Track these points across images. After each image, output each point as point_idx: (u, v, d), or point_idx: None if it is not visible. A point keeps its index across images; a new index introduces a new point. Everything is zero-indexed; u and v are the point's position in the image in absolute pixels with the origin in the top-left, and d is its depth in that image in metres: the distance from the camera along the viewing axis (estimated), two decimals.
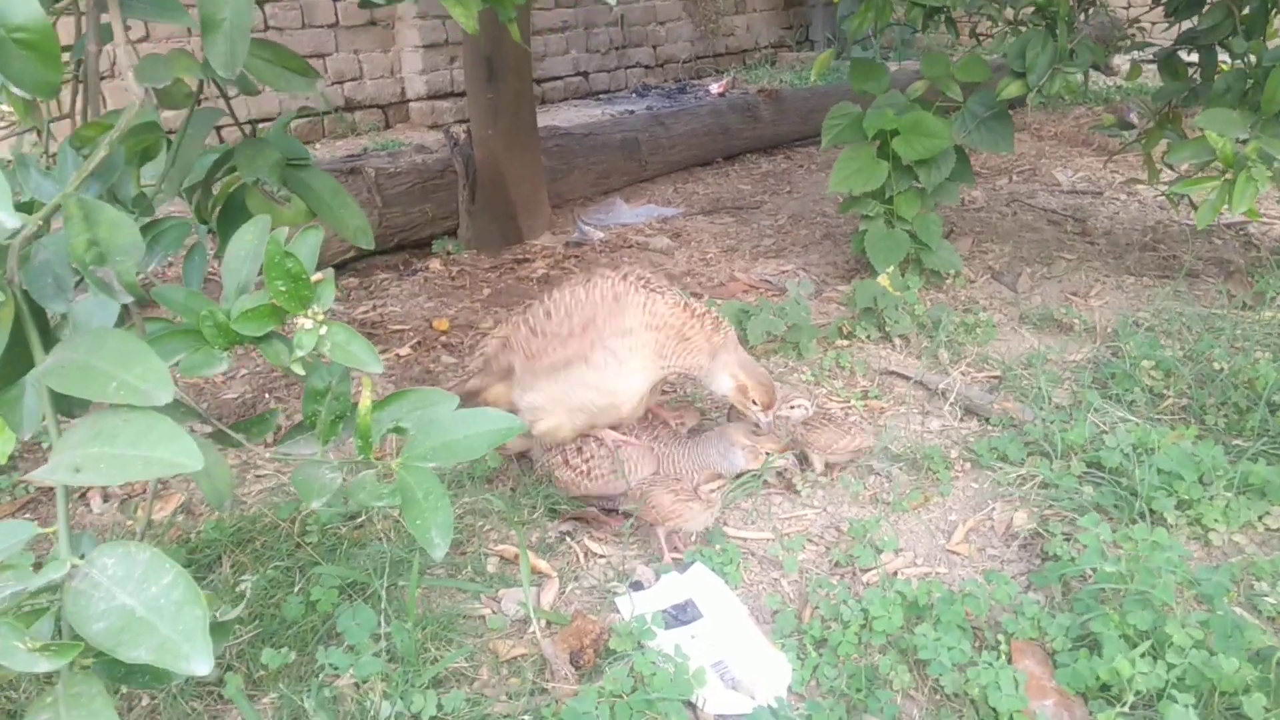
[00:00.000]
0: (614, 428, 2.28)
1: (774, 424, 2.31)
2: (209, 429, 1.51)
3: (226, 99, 1.69)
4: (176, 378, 1.08)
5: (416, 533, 1.25)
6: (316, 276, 1.32)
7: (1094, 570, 1.92)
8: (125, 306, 1.54)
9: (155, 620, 0.94)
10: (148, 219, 1.69)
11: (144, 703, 1.68)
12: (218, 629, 1.26)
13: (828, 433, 2.40)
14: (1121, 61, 7.60)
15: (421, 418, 1.41)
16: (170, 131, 1.68)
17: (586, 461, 2.25)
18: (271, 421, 1.55)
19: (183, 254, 1.66)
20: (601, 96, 9.01)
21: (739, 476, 2.32)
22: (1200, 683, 1.60)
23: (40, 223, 1.09)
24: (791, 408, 2.45)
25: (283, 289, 1.27)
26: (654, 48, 9.61)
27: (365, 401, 1.34)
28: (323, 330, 1.31)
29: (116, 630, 0.93)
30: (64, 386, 1.00)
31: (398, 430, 1.41)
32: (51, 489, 2.46)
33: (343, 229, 1.90)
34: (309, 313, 1.30)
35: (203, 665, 0.90)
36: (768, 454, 2.24)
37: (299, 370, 1.31)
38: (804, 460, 2.44)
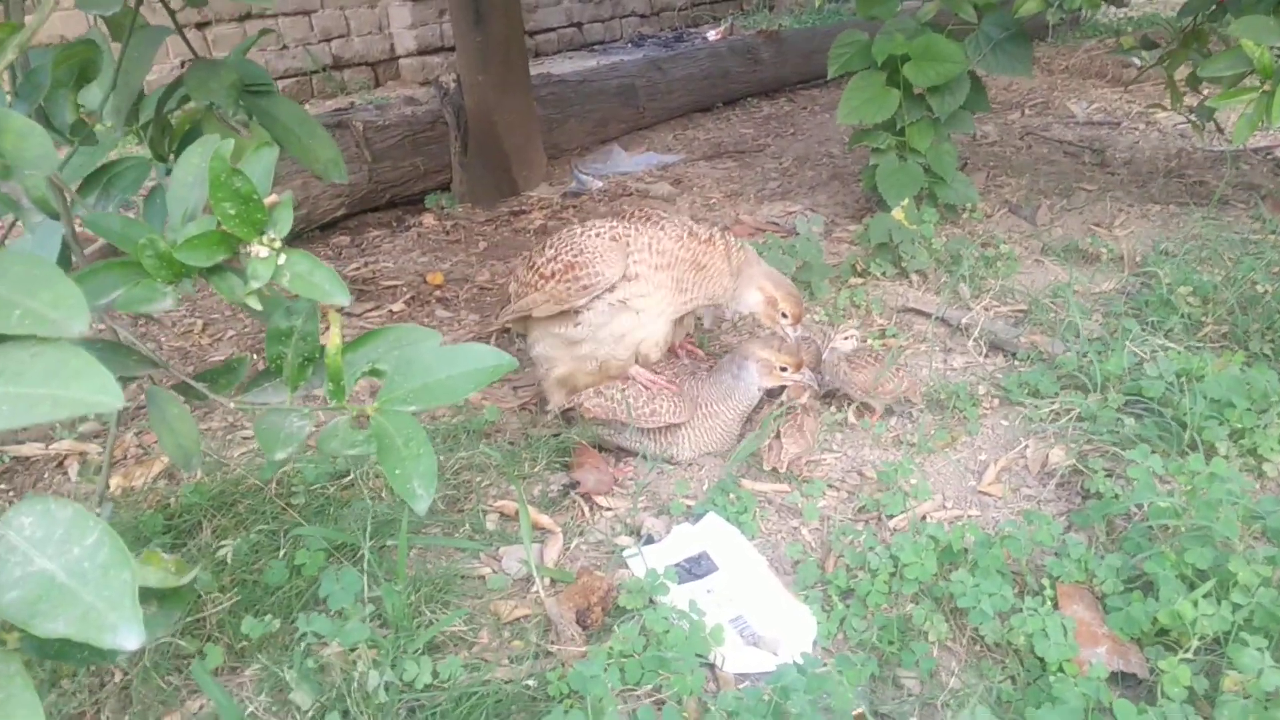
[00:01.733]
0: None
1: (800, 342, 2.16)
2: (172, 380, 1.36)
3: (173, 15, 1.52)
4: (144, 324, 0.93)
5: (396, 484, 1.11)
6: (271, 199, 1.17)
7: (1142, 507, 1.77)
8: (66, 244, 1.39)
9: (77, 586, 0.79)
10: (100, 157, 1.55)
11: (116, 679, 1.55)
12: (174, 596, 1.13)
13: (870, 372, 2.24)
14: None
15: (400, 358, 1.25)
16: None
17: (622, 391, 2.11)
18: (240, 370, 1.40)
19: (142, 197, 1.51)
20: (596, 48, 8.76)
21: (769, 406, 2.17)
22: (1270, 624, 1.45)
23: None
24: (844, 338, 2.30)
25: (231, 212, 1.11)
26: None
27: (334, 340, 1.19)
28: (280, 259, 1.15)
29: (32, 600, 0.79)
30: None
31: (374, 373, 1.26)
32: (29, 459, 2.33)
33: (312, 161, 1.73)
34: (263, 239, 1.14)
35: (131, 638, 0.76)
36: (783, 369, 2.08)
37: (255, 305, 1.16)
38: (844, 399, 2.30)
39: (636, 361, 2.15)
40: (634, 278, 2.02)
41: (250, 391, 1.36)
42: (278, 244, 1.15)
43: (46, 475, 2.26)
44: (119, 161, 1.50)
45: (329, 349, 1.18)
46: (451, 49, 7.36)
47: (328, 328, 1.19)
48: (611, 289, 2.01)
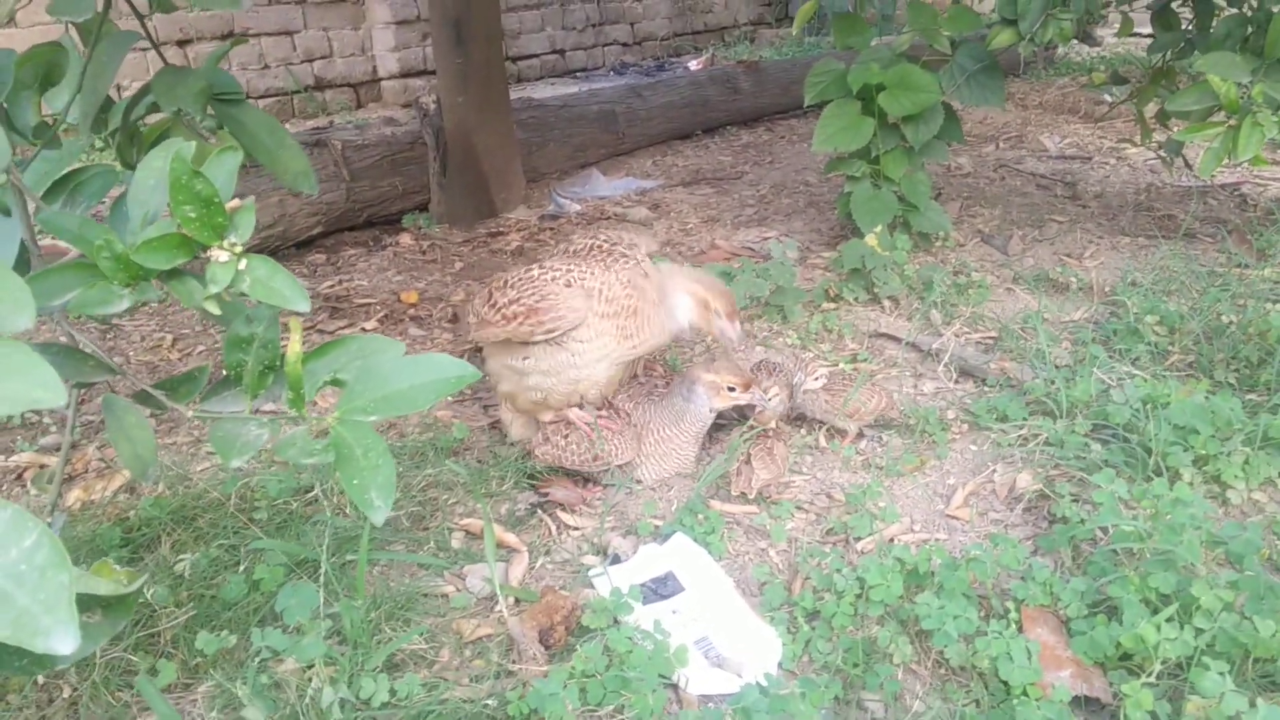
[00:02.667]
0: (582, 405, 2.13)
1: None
2: (133, 390, 1.34)
3: (141, 19, 1.51)
4: (93, 328, 0.91)
5: (353, 494, 1.09)
6: (233, 203, 1.16)
7: (1107, 531, 1.78)
8: (24, 245, 1.37)
9: (13, 589, 0.77)
10: (66, 163, 1.53)
11: (64, 695, 1.51)
12: (119, 605, 1.10)
13: (844, 395, 2.25)
14: (1104, 33, 7.47)
15: (362, 367, 1.24)
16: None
17: (565, 438, 2.09)
18: (201, 380, 1.38)
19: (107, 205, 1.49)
20: (579, 74, 8.81)
21: (739, 428, 2.16)
22: (1233, 648, 1.45)
23: None
24: (814, 379, 2.28)
25: (191, 215, 1.10)
26: (632, 25, 9.42)
27: (295, 347, 1.17)
28: (241, 264, 1.14)
29: None
30: None
31: (335, 382, 1.24)
32: None
33: (282, 172, 1.72)
34: (224, 244, 1.13)
35: (65, 642, 0.74)
36: (730, 389, 2.07)
37: (213, 310, 1.15)
38: (815, 423, 2.31)
39: (580, 402, 2.14)
40: (578, 323, 2.01)
41: (209, 400, 1.34)
42: (238, 249, 1.14)
43: (5, 486, 2.21)
44: (85, 169, 1.48)
45: (289, 357, 1.17)
46: (434, 72, 7.39)
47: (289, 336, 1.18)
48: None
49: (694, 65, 8.58)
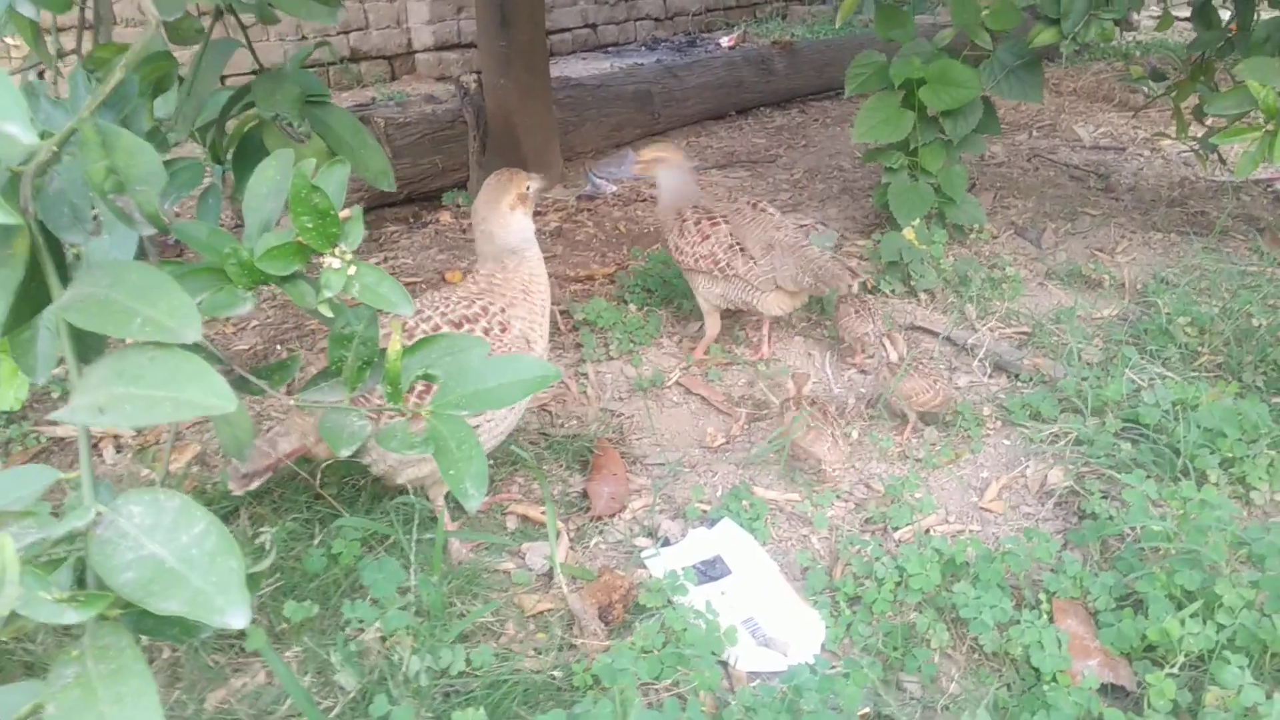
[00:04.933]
0: None
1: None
2: (229, 374, 1.44)
3: (244, 30, 1.60)
4: None
5: (450, 483, 1.20)
6: (344, 213, 1.26)
7: (1136, 529, 1.87)
8: (142, 246, 1.48)
9: (186, 571, 0.88)
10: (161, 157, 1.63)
11: (164, 655, 1.64)
12: (249, 581, 1.22)
13: (914, 382, 2.33)
14: (1142, 16, 7.43)
15: (452, 364, 1.34)
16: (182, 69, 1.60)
17: None
18: (293, 368, 1.49)
19: (196, 197, 1.59)
20: (610, 49, 8.83)
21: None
22: (1252, 644, 1.55)
23: (54, 149, 1.02)
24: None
25: (309, 225, 1.20)
26: (664, 0, 9.41)
27: (395, 346, 1.28)
28: (351, 270, 1.24)
29: (146, 581, 0.88)
30: (85, 322, 0.93)
31: (428, 377, 1.34)
32: (64, 440, 2.41)
33: (364, 170, 1.82)
34: (336, 251, 1.23)
35: (239, 618, 0.85)
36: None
37: (326, 312, 1.25)
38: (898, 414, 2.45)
39: None
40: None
41: (307, 390, 1.45)
42: (349, 256, 1.24)
43: (55, 456, 2.34)
44: (175, 161, 1.58)
45: (389, 354, 1.27)
46: (469, 45, 7.44)
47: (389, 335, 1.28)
48: None
49: (725, 41, 8.59)
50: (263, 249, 1.21)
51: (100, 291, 0.96)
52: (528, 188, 2.09)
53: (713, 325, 2.77)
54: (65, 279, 1.05)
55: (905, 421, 2.39)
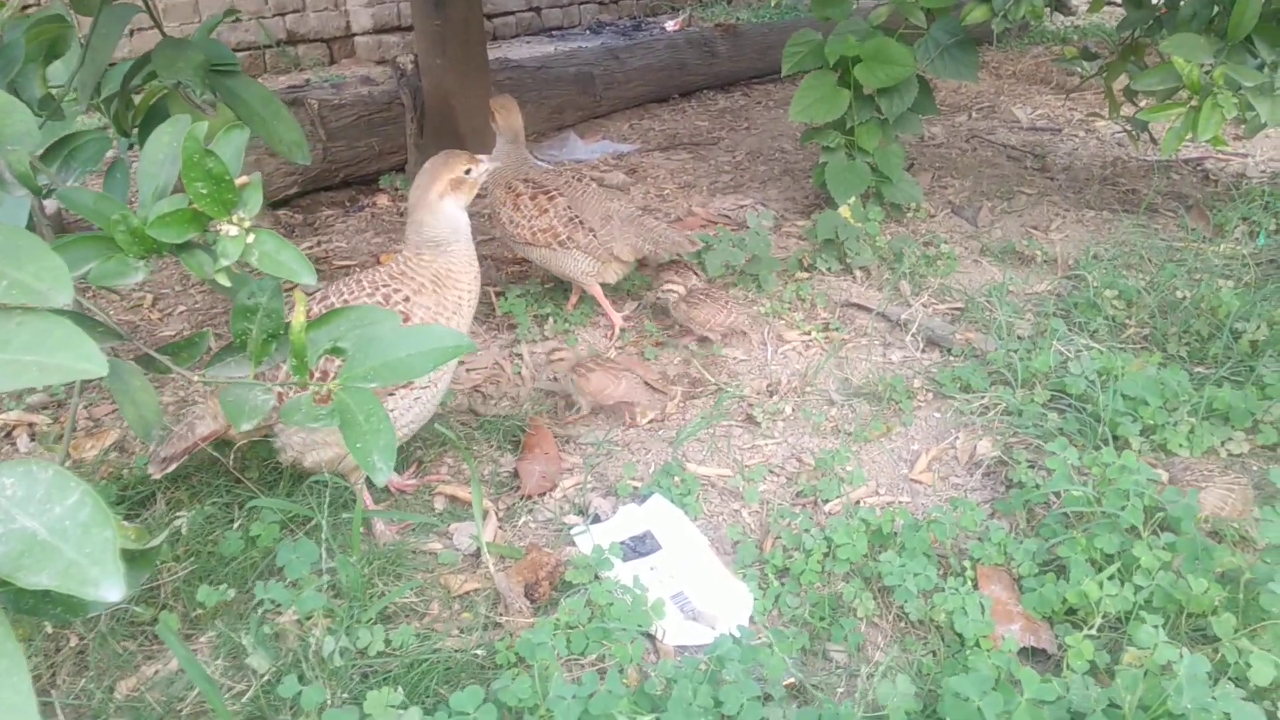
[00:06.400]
0: None
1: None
2: (133, 353, 1.40)
3: None
4: (94, 296, 0.97)
5: (357, 456, 1.17)
6: (241, 180, 1.21)
7: (1060, 495, 1.89)
8: (33, 217, 1.42)
9: (59, 543, 0.84)
10: (63, 130, 1.56)
11: (71, 644, 1.58)
12: (141, 559, 1.17)
13: (705, 309, 2.61)
14: (1078, 2, 7.55)
15: (361, 336, 1.31)
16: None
17: None
18: (201, 345, 1.44)
19: (102, 171, 1.53)
20: (555, 33, 8.76)
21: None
22: (1168, 604, 1.58)
23: None
24: (669, 287, 2.68)
25: (203, 191, 1.16)
26: None
27: (299, 318, 1.24)
28: (249, 238, 1.20)
29: (16, 555, 0.84)
30: None
31: (335, 350, 1.31)
32: None
33: (276, 142, 1.77)
34: (233, 218, 1.19)
35: (113, 590, 0.81)
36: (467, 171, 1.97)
37: (224, 281, 1.21)
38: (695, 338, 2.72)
39: None
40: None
41: (213, 366, 1.40)
42: (247, 223, 1.20)
43: None
44: (80, 133, 1.52)
45: (293, 326, 1.23)
46: (408, 29, 7.32)
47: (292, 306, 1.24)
48: None
49: (671, 25, 8.56)
50: (155, 216, 1.17)
51: None
52: (466, 171, 1.95)
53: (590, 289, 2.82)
54: None
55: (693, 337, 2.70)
